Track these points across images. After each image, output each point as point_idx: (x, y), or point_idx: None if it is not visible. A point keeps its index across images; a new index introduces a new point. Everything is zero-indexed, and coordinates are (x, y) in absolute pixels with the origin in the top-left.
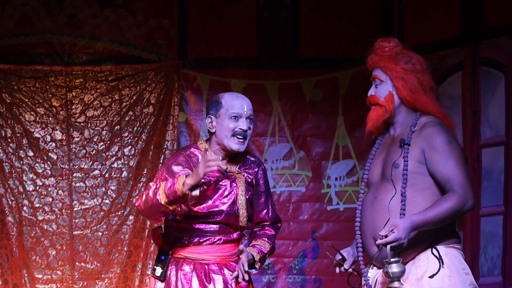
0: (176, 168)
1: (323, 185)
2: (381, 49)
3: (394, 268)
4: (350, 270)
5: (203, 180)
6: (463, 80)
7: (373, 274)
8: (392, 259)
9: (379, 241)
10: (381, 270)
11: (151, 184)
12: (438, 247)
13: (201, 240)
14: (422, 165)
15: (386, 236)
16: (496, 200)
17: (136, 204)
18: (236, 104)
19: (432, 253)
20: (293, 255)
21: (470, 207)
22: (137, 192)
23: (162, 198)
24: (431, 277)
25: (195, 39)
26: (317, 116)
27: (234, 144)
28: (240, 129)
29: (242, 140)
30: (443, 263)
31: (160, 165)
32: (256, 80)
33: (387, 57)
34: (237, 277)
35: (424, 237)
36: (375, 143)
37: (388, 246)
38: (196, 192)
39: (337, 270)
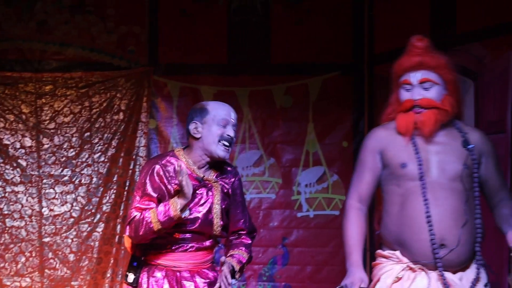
0: (152, 191)
1: (293, 192)
2: (426, 49)
3: None
4: None
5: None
6: None
7: (425, 281)
8: None
9: None
10: (435, 272)
11: (134, 212)
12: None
13: (173, 247)
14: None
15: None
16: None
17: (126, 235)
18: (223, 111)
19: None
20: (263, 262)
21: None
22: (107, 198)
23: (155, 226)
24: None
25: (166, 45)
26: (288, 123)
27: (221, 151)
28: (228, 135)
29: (228, 147)
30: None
31: (137, 176)
32: (226, 87)
33: (437, 59)
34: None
35: (470, 247)
36: (413, 144)
37: None
38: (186, 213)
39: None
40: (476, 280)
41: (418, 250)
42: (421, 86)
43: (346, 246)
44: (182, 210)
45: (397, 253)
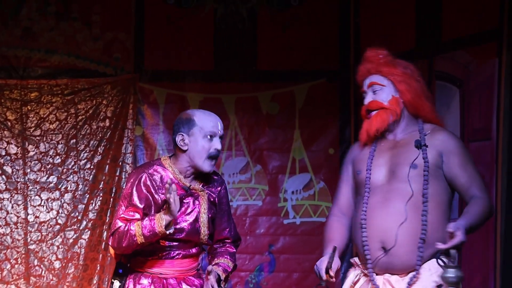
0: (139, 202)
1: (279, 199)
2: (375, 57)
3: (453, 273)
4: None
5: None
6: None
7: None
8: (451, 264)
9: (442, 246)
10: (382, 277)
11: (118, 222)
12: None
13: (160, 255)
14: (438, 169)
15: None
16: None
17: (109, 244)
18: (210, 123)
19: (437, 263)
20: (249, 269)
21: (493, 211)
22: (93, 205)
23: (139, 240)
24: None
25: (152, 52)
26: (274, 130)
27: (207, 166)
28: (216, 149)
29: (215, 160)
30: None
31: (123, 183)
32: (213, 94)
33: (384, 62)
34: None
35: (429, 245)
36: (369, 149)
37: (453, 250)
38: (171, 230)
39: (324, 275)
40: (412, 281)
41: (361, 255)
42: (371, 90)
43: (324, 245)
44: (167, 226)
45: (355, 259)
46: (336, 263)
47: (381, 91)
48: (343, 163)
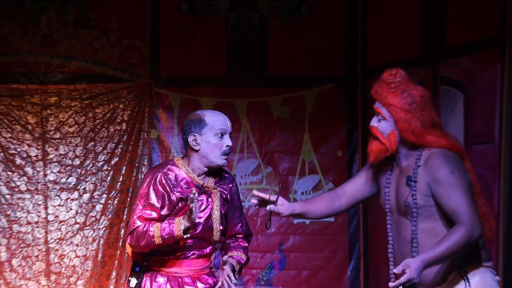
0: (156, 200)
1: (290, 199)
2: (387, 85)
3: None
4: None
5: (182, 196)
6: None
7: None
8: None
9: (392, 284)
10: None
11: (137, 221)
12: (467, 267)
13: (176, 255)
14: (429, 198)
15: (397, 276)
16: None
17: (127, 242)
18: (219, 122)
19: (460, 274)
20: (261, 267)
21: (477, 236)
22: (111, 205)
23: (157, 241)
24: None
25: (166, 59)
26: (284, 133)
27: (221, 160)
28: (228, 146)
29: (227, 156)
30: (469, 284)
31: (140, 184)
32: (225, 98)
33: (392, 94)
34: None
35: (452, 261)
36: (387, 171)
37: (400, 287)
38: (188, 235)
39: (255, 201)
40: None
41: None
42: (376, 115)
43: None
44: (185, 231)
45: None
46: (281, 202)
47: (383, 121)
48: (366, 163)
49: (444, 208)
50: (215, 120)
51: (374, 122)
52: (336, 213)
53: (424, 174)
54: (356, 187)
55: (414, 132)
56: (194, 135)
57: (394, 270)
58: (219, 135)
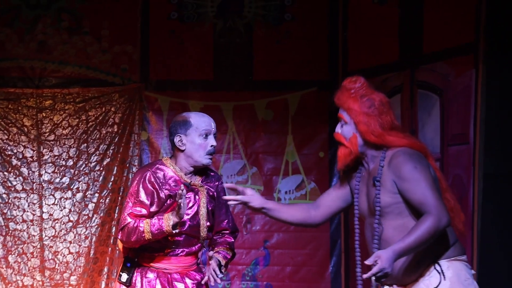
0: (145, 198)
1: (274, 198)
2: (347, 91)
3: None
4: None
5: (170, 194)
6: (402, 101)
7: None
8: None
9: (365, 275)
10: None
11: (127, 218)
12: (441, 261)
13: (165, 252)
14: (397, 195)
15: (370, 267)
16: None
17: (119, 238)
18: (204, 123)
19: (435, 268)
20: (246, 263)
21: (445, 223)
22: (102, 204)
23: (147, 236)
24: None
25: (156, 64)
26: (269, 135)
27: (205, 160)
28: (212, 146)
29: (211, 156)
30: (444, 277)
31: (130, 183)
32: (212, 102)
33: (352, 99)
34: (200, 282)
35: (426, 255)
36: (356, 176)
37: (373, 277)
38: (177, 230)
39: (233, 203)
40: None
41: None
42: (339, 122)
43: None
44: (174, 226)
45: None
46: (252, 193)
47: (345, 126)
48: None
49: (412, 203)
50: (200, 121)
51: (338, 129)
52: (312, 223)
53: (389, 173)
54: (330, 197)
55: (374, 133)
56: (180, 136)
57: (366, 262)
58: (204, 136)
